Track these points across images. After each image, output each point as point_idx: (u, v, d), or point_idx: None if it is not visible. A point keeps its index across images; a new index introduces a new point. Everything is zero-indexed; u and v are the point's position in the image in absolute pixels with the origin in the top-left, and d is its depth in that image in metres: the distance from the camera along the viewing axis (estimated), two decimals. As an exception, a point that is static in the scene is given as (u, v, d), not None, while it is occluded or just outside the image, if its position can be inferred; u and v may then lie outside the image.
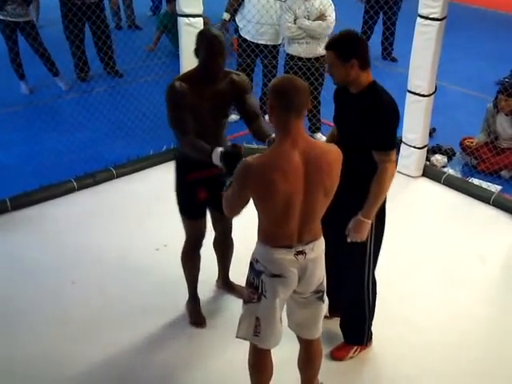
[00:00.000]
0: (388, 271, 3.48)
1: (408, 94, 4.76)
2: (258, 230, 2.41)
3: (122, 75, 6.70)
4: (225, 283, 3.64)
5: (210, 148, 2.75)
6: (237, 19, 5.62)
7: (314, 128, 5.60)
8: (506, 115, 5.07)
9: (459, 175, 5.01)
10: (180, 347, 3.22)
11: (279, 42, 5.54)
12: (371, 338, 3.22)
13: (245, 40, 5.54)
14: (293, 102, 2.21)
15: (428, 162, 5.12)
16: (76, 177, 4.61)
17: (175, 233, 4.00)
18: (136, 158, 4.95)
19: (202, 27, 4.63)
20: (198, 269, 3.33)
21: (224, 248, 3.51)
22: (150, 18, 8.80)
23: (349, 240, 2.80)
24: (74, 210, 4.37)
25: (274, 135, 2.57)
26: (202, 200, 3.09)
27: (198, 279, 3.36)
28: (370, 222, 2.75)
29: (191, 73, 3.02)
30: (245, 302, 2.51)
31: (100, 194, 4.57)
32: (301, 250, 2.38)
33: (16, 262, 3.81)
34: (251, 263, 2.46)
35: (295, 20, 5.08)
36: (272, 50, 5.53)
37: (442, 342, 3.26)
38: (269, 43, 5.48)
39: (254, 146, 5.30)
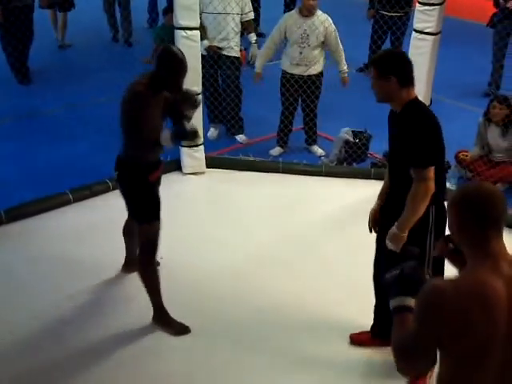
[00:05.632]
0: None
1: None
2: (440, 377, 1.84)
3: None
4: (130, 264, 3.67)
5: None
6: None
7: (311, 141, 5.62)
8: (497, 125, 5.07)
9: (455, 188, 5.02)
10: (180, 359, 3.22)
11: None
12: None
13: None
14: (491, 214, 1.79)
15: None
16: (71, 189, 4.60)
17: (171, 245, 3.99)
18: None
19: (198, 40, 4.66)
20: None
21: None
22: (146, 30, 8.83)
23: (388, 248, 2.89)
24: (70, 222, 4.35)
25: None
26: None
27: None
28: (402, 234, 2.82)
29: (148, 79, 3.07)
30: None
31: (96, 207, 4.56)
32: None
33: (10, 275, 3.78)
34: None
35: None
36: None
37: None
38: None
39: (251, 158, 5.32)
